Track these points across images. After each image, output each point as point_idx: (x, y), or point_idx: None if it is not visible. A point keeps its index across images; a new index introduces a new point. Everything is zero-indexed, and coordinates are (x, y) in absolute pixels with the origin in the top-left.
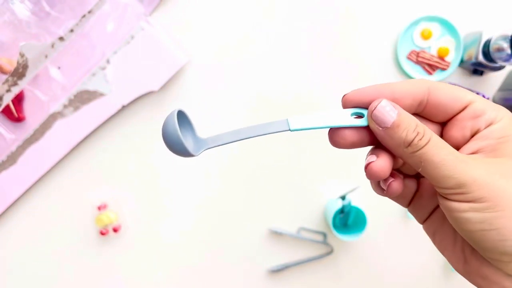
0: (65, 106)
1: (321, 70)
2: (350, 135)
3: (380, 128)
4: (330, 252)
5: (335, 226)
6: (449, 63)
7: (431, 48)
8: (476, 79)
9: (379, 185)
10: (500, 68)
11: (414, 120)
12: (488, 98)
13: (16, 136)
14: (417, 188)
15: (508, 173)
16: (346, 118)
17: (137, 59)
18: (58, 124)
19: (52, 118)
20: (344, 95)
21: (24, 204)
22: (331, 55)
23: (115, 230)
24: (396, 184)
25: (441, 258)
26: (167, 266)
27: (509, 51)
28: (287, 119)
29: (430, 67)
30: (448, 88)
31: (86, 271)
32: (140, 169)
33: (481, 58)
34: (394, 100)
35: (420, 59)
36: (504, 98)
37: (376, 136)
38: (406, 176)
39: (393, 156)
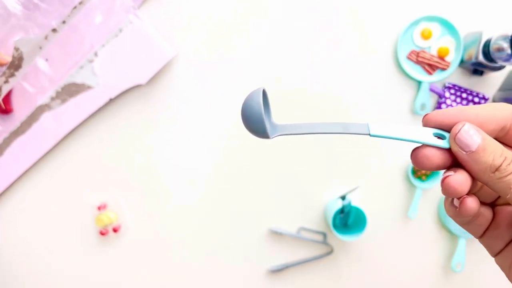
0: (52, 99)
1: (320, 69)
2: (434, 156)
3: (464, 152)
4: (330, 252)
5: (335, 226)
6: (449, 63)
7: (431, 48)
8: (476, 79)
9: (453, 203)
10: (500, 68)
11: (500, 145)
12: (488, 99)
13: (3, 128)
14: (493, 218)
15: None
16: (429, 136)
17: (125, 52)
18: (45, 116)
19: (40, 110)
20: (426, 115)
21: (24, 204)
22: (331, 55)
23: (115, 230)
24: (471, 202)
25: (441, 258)
26: (167, 266)
27: (509, 51)
28: (367, 124)
29: (430, 67)
30: None
31: (86, 271)
32: (140, 169)
33: (481, 58)
34: (478, 124)
35: (420, 59)
36: (504, 98)
37: (459, 161)
38: (482, 203)
39: (472, 178)
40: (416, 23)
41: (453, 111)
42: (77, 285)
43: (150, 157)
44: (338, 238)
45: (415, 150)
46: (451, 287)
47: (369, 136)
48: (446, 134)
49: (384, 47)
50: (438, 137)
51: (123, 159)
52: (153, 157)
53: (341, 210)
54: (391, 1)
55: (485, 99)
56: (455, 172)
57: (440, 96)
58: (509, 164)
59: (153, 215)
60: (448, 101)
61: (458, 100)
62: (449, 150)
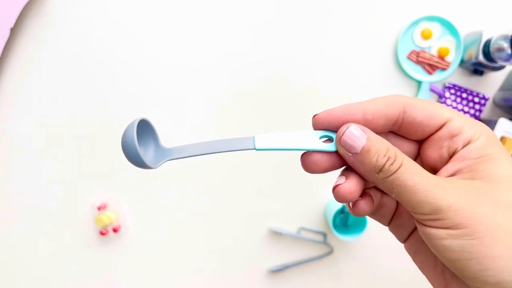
0: None
1: (321, 69)
2: (321, 161)
3: (350, 154)
4: (330, 252)
5: (335, 226)
6: (449, 63)
7: (432, 48)
8: (476, 79)
9: (349, 204)
10: (501, 68)
11: (385, 144)
12: (488, 99)
13: None
14: (396, 207)
15: (485, 197)
16: (315, 141)
17: None
18: None
19: None
20: (315, 116)
21: (24, 203)
22: (331, 55)
23: (115, 230)
24: (363, 204)
25: None
26: (166, 266)
27: (509, 51)
28: (254, 137)
29: (430, 67)
30: (425, 106)
31: (86, 271)
32: (140, 169)
33: (481, 58)
34: (366, 122)
35: (420, 59)
36: (504, 98)
37: (347, 161)
38: (385, 194)
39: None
40: (416, 23)
41: (340, 110)
42: (76, 285)
43: None
44: (338, 238)
45: (302, 156)
46: None
47: (254, 150)
48: (334, 135)
49: (384, 47)
50: (327, 139)
51: (123, 159)
52: None
53: (341, 210)
54: (391, 1)
55: (485, 99)
56: (346, 178)
57: (440, 96)
58: (392, 164)
59: (153, 215)
60: (448, 101)
61: (458, 100)
62: (337, 152)
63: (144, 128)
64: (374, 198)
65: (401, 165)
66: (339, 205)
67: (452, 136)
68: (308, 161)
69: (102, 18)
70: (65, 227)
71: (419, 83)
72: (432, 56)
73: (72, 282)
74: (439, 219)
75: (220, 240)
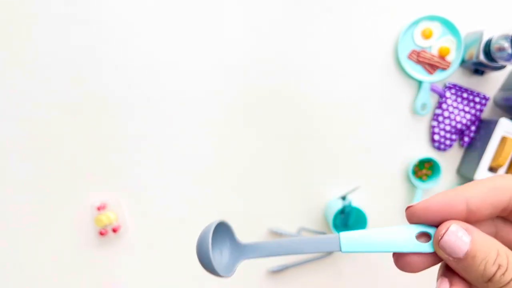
0: None
1: (321, 69)
2: (419, 263)
3: (451, 259)
4: (330, 252)
5: (335, 226)
6: (450, 62)
7: (432, 47)
8: (477, 79)
9: None
10: (501, 67)
11: (495, 247)
12: (488, 99)
13: None
14: None
15: None
16: (410, 241)
17: None
18: None
19: None
20: (409, 207)
21: (23, 203)
22: (331, 55)
23: (114, 230)
24: None
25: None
26: (166, 266)
27: (510, 50)
28: (339, 237)
29: (431, 66)
30: None
31: (86, 271)
32: (140, 169)
33: (482, 57)
34: (470, 213)
35: (421, 58)
36: (505, 98)
37: (449, 265)
38: None
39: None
40: (416, 22)
41: (439, 201)
42: (76, 285)
43: (150, 157)
44: None
45: (395, 254)
46: None
47: (340, 252)
48: (432, 231)
49: (384, 47)
50: (424, 234)
51: (128, 162)
52: (153, 158)
53: (342, 211)
54: (392, 1)
55: (486, 99)
56: (450, 284)
57: (441, 96)
58: (503, 274)
59: (153, 215)
60: (449, 101)
61: (459, 100)
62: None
63: (220, 227)
64: None
65: None
66: (339, 205)
67: None
68: (403, 262)
69: (100, 18)
70: (64, 227)
71: (420, 83)
72: (433, 56)
73: (71, 282)
74: None
75: None
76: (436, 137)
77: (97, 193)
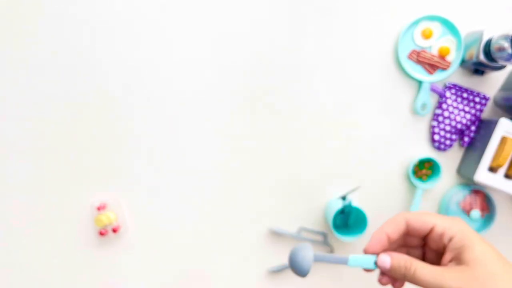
0: None
1: (321, 69)
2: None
3: (385, 270)
4: (330, 252)
5: (335, 226)
6: (450, 62)
7: (432, 47)
8: (477, 79)
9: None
10: (501, 67)
11: (403, 258)
12: (488, 99)
13: None
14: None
15: (471, 277)
16: (369, 263)
17: None
18: None
19: None
20: (364, 249)
21: (23, 203)
22: (331, 55)
23: (114, 230)
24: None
25: None
26: (166, 266)
27: (510, 50)
28: (348, 258)
29: (431, 66)
30: (417, 217)
31: (86, 271)
32: (140, 169)
33: (482, 57)
34: (389, 237)
35: (421, 58)
36: (505, 98)
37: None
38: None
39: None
40: (416, 22)
41: (375, 239)
42: (76, 285)
43: (150, 157)
44: (339, 239)
45: (381, 276)
46: None
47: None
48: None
49: (384, 47)
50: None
51: (128, 162)
52: (153, 158)
53: (342, 211)
54: (392, 1)
55: (486, 99)
56: (382, 277)
57: (441, 96)
58: (409, 270)
59: (153, 215)
60: (449, 101)
61: (459, 100)
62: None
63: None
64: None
65: (415, 270)
66: (339, 205)
67: (440, 237)
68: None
69: (99, 18)
70: (64, 227)
71: (420, 83)
72: (433, 55)
73: (71, 282)
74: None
75: (220, 240)
76: (436, 137)
77: (97, 193)
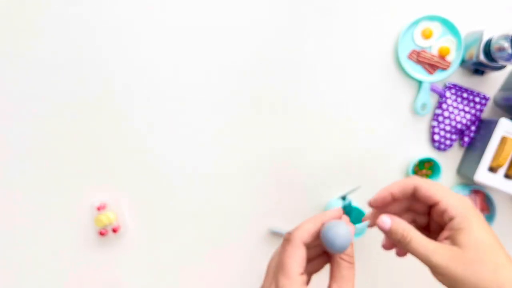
0: None
1: (321, 69)
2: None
3: (384, 230)
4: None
5: None
6: (450, 62)
7: (432, 47)
8: (477, 78)
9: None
10: (501, 67)
11: (402, 225)
12: (488, 99)
13: None
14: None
15: (458, 259)
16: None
17: None
18: None
19: None
20: (368, 202)
21: (23, 203)
22: (331, 55)
23: (114, 230)
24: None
25: None
26: (166, 267)
27: (510, 50)
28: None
29: (431, 66)
30: (427, 187)
31: (86, 271)
32: (140, 169)
33: (482, 57)
34: (393, 196)
35: (421, 58)
36: (505, 98)
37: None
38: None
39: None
40: (416, 22)
41: (379, 197)
42: (76, 285)
43: (150, 158)
44: None
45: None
46: None
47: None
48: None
49: (384, 47)
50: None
51: (128, 162)
52: (153, 158)
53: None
54: (392, 0)
55: (486, 99)
56: (385, 241)
57: (441, 96)
58: (405, 239)
59: (153, 215)
60: (449, 101)
61: (459, 100)
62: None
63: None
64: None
65: (411, 240)
66: (339, 205)
67: (442, 214)
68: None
69: (98, 18)
70: (64, 227)
71: (420, 83)
72: (433, 56)
73: (71, 282)
74: (435, 271)
75: (220, 240)
76: (436, 137)
77: (97, 193)
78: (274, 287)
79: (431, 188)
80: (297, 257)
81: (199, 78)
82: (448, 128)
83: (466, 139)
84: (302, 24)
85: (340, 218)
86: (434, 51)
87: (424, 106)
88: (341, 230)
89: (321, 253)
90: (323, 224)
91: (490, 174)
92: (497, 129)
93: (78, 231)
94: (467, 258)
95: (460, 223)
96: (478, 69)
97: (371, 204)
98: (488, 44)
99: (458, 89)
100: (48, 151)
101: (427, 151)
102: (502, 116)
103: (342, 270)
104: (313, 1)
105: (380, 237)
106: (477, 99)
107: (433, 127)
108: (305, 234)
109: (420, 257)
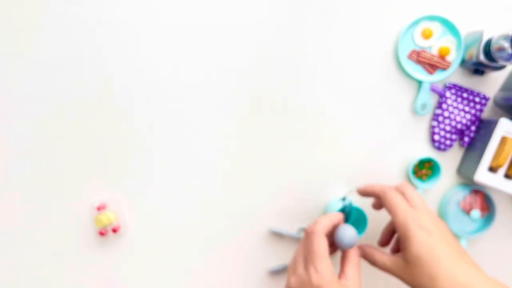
0: None
1: (321, 69)
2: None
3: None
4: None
5: None
6: (450, 62)
7: (432, 47)
8: (477, 79)
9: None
10: (501, 67)
11: (366, 250)
12: (488, 99)
13: None
14: None
15: (405, 271)
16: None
17: None
18: None
19: None
20: (357, 190)
21: (23, 203)
22: (331, 55)
23: (114, 230)
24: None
25: None
26: (166, 266)
27: (510, 50)
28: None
29: (431, 66)
30: (387, 200)
31: (85, 272)
32: (140, 169)
33: (482, 57)
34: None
35: (421, 58)
36: (505, 98)
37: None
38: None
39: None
40: (416, 22)
41: (370, 188)
42: (76, 285)
43: (150, 158)
44: None
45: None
46: None
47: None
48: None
49: (384, 47)
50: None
51: (128, 162)
52: (153, 158)
53: (342, 211)
54: (392, 0)
55: (486, 99)
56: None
57: (441, 96)
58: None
59: (153, 215)
60: (449, 101)
61: (459, 100)
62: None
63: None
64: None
65: (373, 256)
66: (339, 206)
67: (395, 226)
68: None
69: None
70: (64, 227)
71: (420, 83)
72: (433, 56)
73: (71, 282)
74: (392, 272)
75: (220, 240)
76: (436, 137)
77: (97, 193)
78: (313, 270)
79: (391, 201)
80: (323, 244)
81: (199, 78)
82: (448, 128)
83: (466, 139)
84: (302, 24)
85: (341, 221)
86: (434, 51)
87: (424, 106)
88: (348, 232)
89: (329, 245)
90: (334, 227)
91: (490, 174)
92: (497, 129)
93: (78, 231)
94: (410, 270)
95: (403, 240)
96: (478, 69)
97: (357, 190)
98: (488, 44)
99: (458, 89)
100: (48, 151)
101: (427, 151)
102: (502, 116)
103: (350, 257)
104: (313, 1)
105: (377, 236)
106: (477, 99)
107: (433, 127)
108: (324, 228)
109: (383, 269)
